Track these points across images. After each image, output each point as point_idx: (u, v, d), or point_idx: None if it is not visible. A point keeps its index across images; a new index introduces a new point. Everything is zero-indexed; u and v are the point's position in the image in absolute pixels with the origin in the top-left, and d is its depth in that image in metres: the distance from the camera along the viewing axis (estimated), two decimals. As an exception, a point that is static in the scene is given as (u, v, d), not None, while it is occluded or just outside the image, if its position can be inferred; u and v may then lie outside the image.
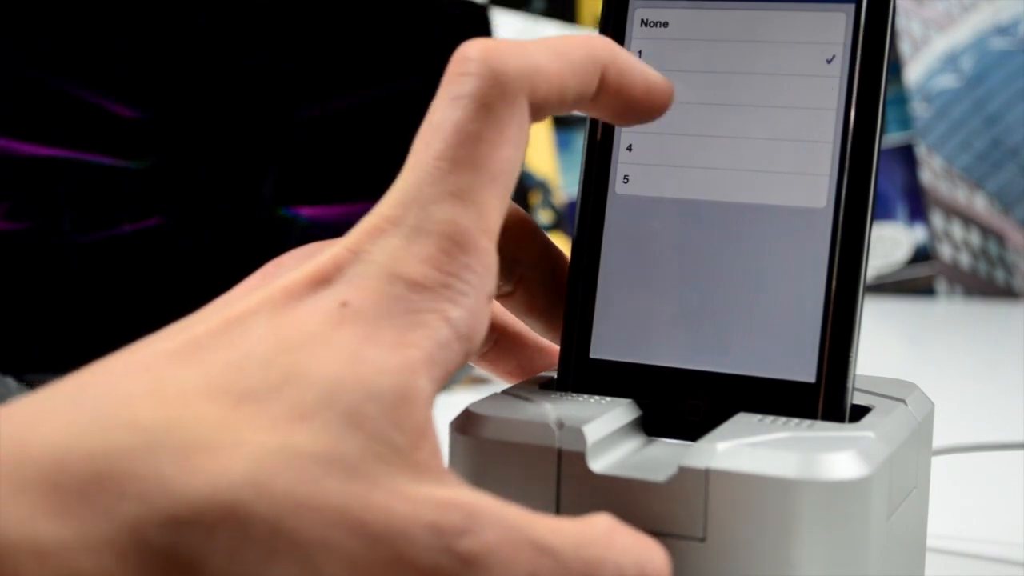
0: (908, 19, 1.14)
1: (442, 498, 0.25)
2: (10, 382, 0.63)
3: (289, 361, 0.25)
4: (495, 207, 0.28)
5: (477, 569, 0.24)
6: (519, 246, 0.34)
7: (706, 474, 0.29)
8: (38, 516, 0.22)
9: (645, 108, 0.31)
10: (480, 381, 0.75)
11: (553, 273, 0.35)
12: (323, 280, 0.27)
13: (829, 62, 0.33)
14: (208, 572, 0.23)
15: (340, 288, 0.27)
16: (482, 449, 0.31)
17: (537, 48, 0.29)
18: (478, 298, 0.28)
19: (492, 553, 0.25)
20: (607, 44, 0.30)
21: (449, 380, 0.75)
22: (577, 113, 0.31)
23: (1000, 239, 1.12)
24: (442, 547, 0.24)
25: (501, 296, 0.35)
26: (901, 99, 1.14)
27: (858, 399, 0.33)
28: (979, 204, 1.12)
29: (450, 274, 0.27)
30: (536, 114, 0.29)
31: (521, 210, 0.34)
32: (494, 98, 0.28)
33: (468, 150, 0.28)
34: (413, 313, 0.27)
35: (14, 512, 0.22)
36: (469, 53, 0.28)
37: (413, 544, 0.24)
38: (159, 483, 0.23)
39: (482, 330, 0.28)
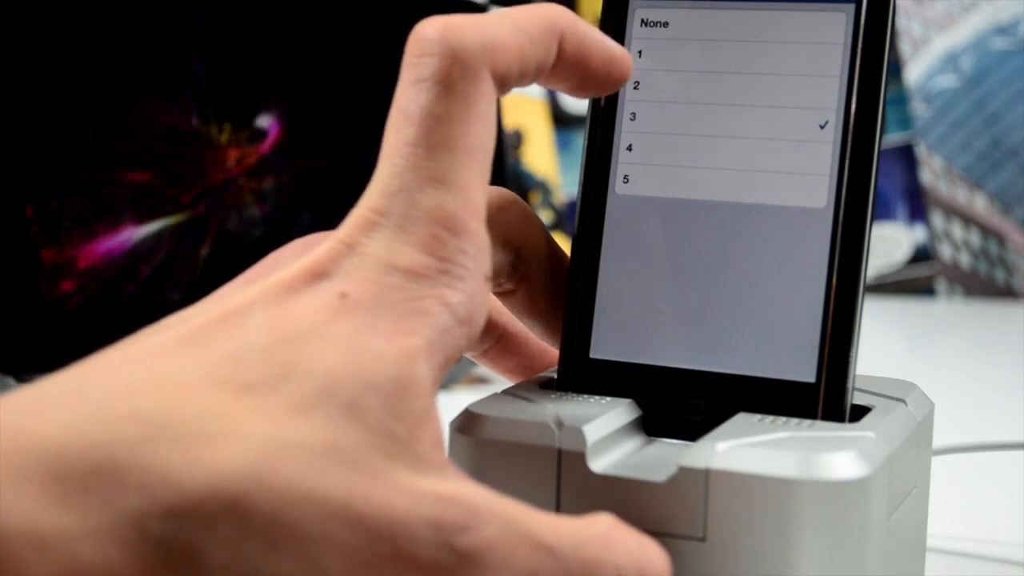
0: (908, 19, 1.14)
1: (443, 492, 0.25)
2: (10, 382, 0.63)
3: (288, 353, 0.25)
4: (477, 185, 0.28)
5: (476, 565, 0.24)
6: (524, 244, 0.34)
7: (706, 474, 0.29)
8: (40, 506, 0.22)
9: (604, 78, 0.31)
10: (480, 381, 0.75)
11: (555, 275, 0.35)
12: (320, 273, 0.27)
13: (829, 63, 0.33)
14: (208, 564, 0.23)
15: (338, 280, 0.27)
16: (482, 449, 0.31)
17: (494, 21, 0.29)
18: (475, 280, 0.28)
19: (491, 550, 0.25)
20: (565, 13, 0.30)
21: (449, 378, 0.74)
22: (576, 112, 0.31)
23: (1000, 239, 1.12)
24: (441, 543, 0.24)
25: (503, 293, 0.35)
26: (901, 99, 1.14)
27: (858, 399, 0.33)
28: (979, 204, 1.12)
29: (445, 259, 0.27)
30: (500, 87, 0.29)
31: (527, 207, 0.34)
32: (457, 77, 0.28)
33: (440, 133, 0.28)
34: (412, 301, 0.27)
35: (16, 501, 0.22)
36: (427, 33, 0.28)
37: (412, 539, 0.24)
38: (160, 474, 0.23)
39: (482, 313, 0.28)
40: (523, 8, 0.29)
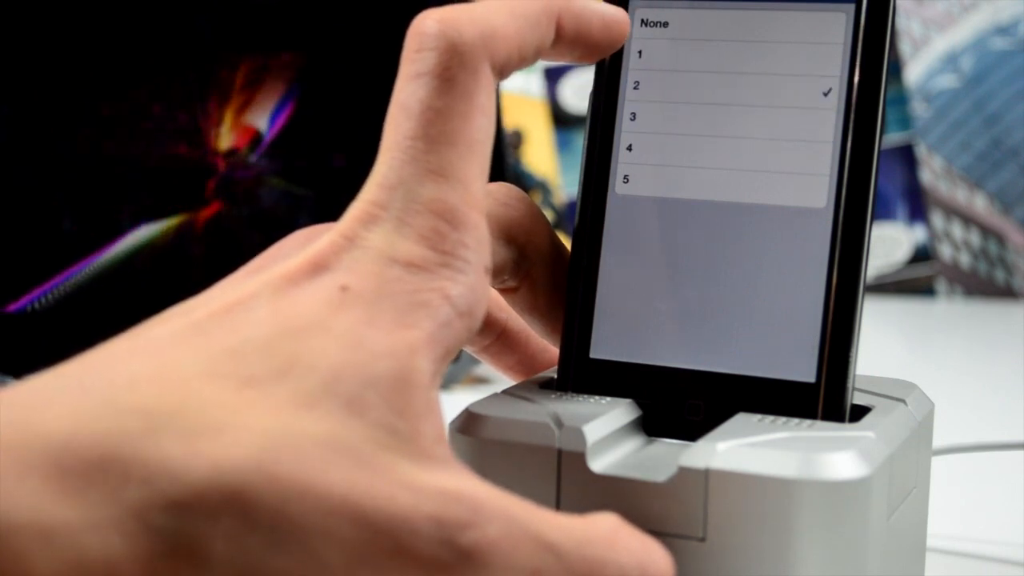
0: (908, 19, 1.14)
1: (446, 488, 0.25)
2: (11, 382, 0.63)
3: (290, 346, 0.25)
4: (477, 178, 0.28)
5: (478, 563, 0.24)
6: (528, 241, 0.34)
7: (706, 474, 0.29)
8: (44, 498, 0.22)
9: (605, 45, 0.32)
10: (480, 381, 0.75)
11: (558, 273, 0.35)
12: (322, 266, 0.27)
13: (829, 63, 0.33)
14: (211, 556, 0.23)
15: (339, 273, 0.27)
16: (482, 449, 0.31)
17: (491, 9, 0.29)
18: (476, 273, 0.28)
19: (494, 548, 0.25)
20: None
21: (449, 378, 0.74)
22: (576, 112, 0.31)
23: (1000, 239, 1.12)
24: (443, 539, 0.24)
25: (505, 290, 0.35)
26: (901, 99, 1.14)
27: (858, 399, 0.33)
28: (979, 204, 1.12)
29: (445, 252, 0.27)
30: (499, 76, 0.29)
31: (533, 204, 0.34)
32: (456, 70, 0.28)
33: (440, 126, 0.28)
34: (412, 294, 0.27)
35: (20, 494, 0.22)
36: (425, 28, 0.28)
37: (414, 535, 0.24)
38: (163, 466, 0.23)
39: (483, 305, 0.28)
40: None
